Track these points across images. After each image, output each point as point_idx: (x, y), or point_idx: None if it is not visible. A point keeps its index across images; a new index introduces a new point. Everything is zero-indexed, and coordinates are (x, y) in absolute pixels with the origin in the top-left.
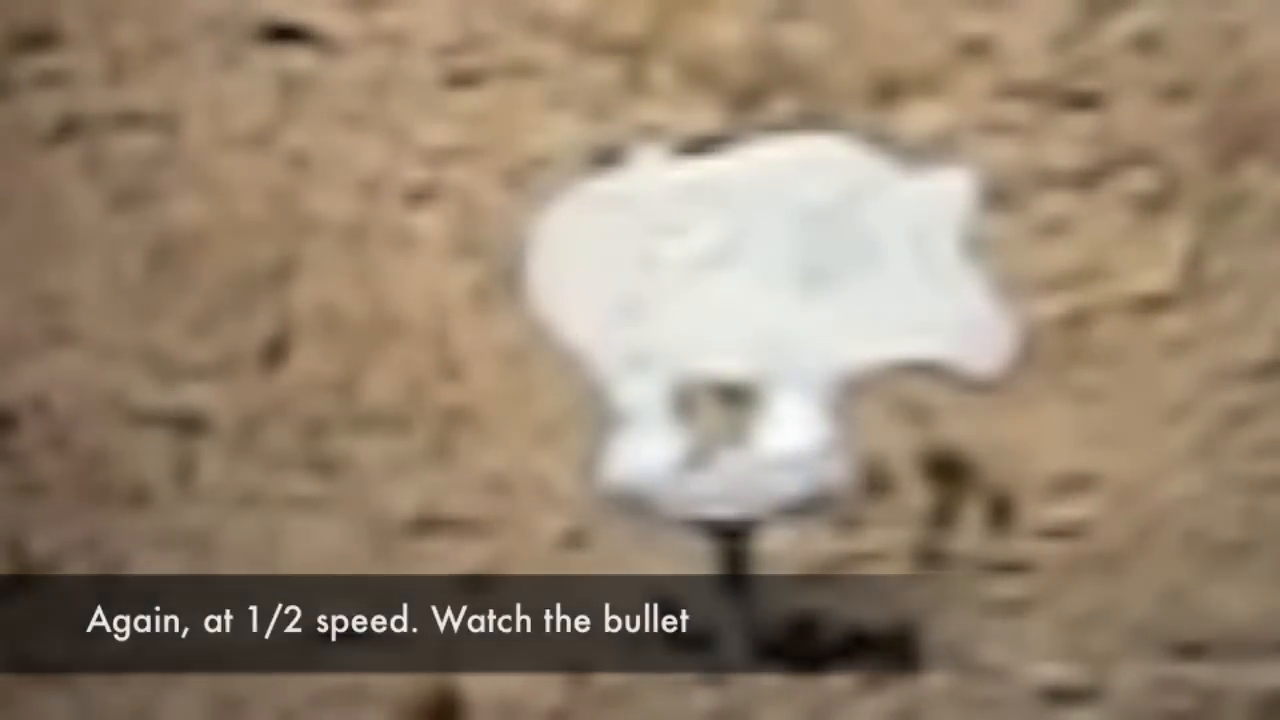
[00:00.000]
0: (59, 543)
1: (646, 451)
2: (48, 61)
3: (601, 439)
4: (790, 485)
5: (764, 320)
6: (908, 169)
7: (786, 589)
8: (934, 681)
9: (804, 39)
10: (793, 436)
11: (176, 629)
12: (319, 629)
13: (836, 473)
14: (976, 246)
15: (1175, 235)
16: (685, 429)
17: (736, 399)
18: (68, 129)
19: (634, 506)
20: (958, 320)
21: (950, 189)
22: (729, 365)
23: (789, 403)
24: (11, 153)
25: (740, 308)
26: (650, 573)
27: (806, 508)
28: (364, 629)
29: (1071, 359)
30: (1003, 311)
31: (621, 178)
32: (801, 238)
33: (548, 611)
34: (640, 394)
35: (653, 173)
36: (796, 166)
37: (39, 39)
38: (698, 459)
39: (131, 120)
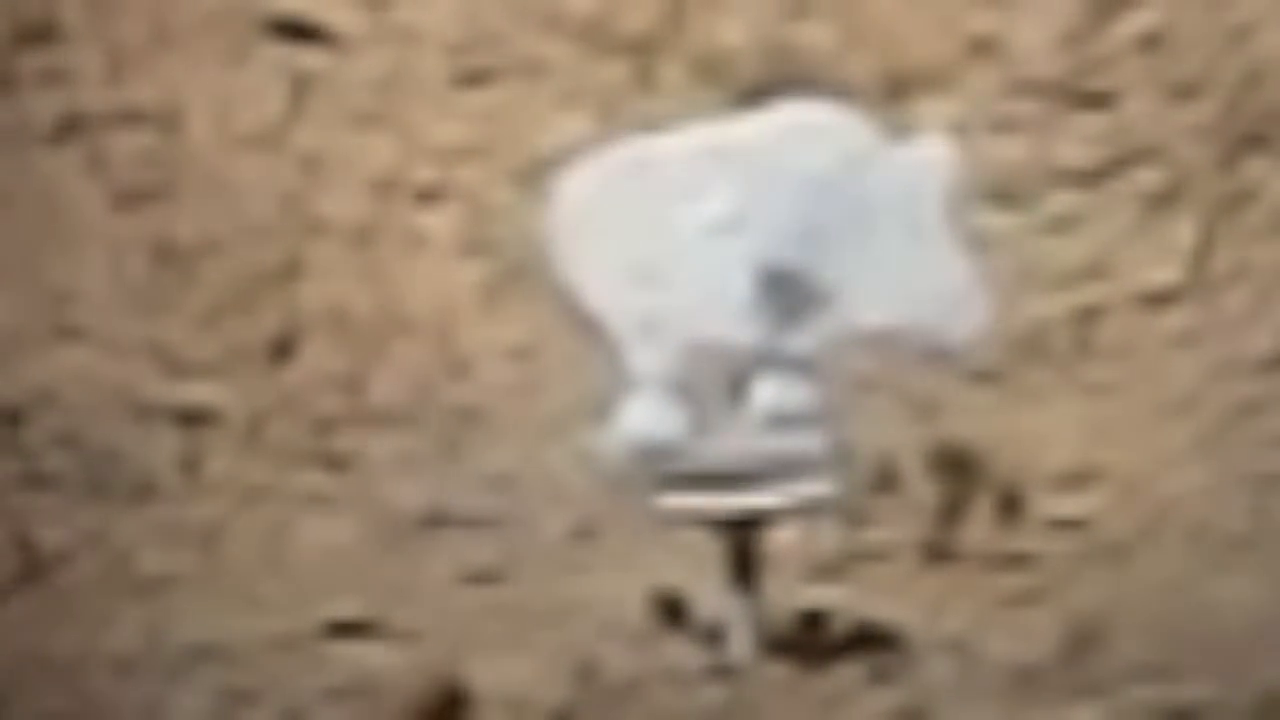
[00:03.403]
0: (67, 537)
1: (656, 414)
2: (49, 58)
3: (612, 403)
4: (789, 446)
5: (764, 286)
6: (894, 136)
7: (794, 585)
8: (940, 675)
9: (813, 38)
10: (790, 400)
11: (184, 623)
12: (327, 624)
13: (833, 435)
14: (960, 216)
15: (1183, 231)
16: (691, 393)
17: (739, 362)
18: (69, 127)
19: (645, 467)
20: (939, 289)
21: (933, 157)
22: (732, 331)
23: (786, 369)
24: (14, 150)
25: (742, 274)
26: (658, 569)
27: (805, 470)
28: (372, 624)
29: (1079, 354)
30: (981, 282)
31: (635, 144)
32: (797, 205)
33: (555, 607)
34: (651, 358)
35: (665, 139)
36: (791, 134)
37: (40, 34)
38: (703, 422)
39: (133, 118)
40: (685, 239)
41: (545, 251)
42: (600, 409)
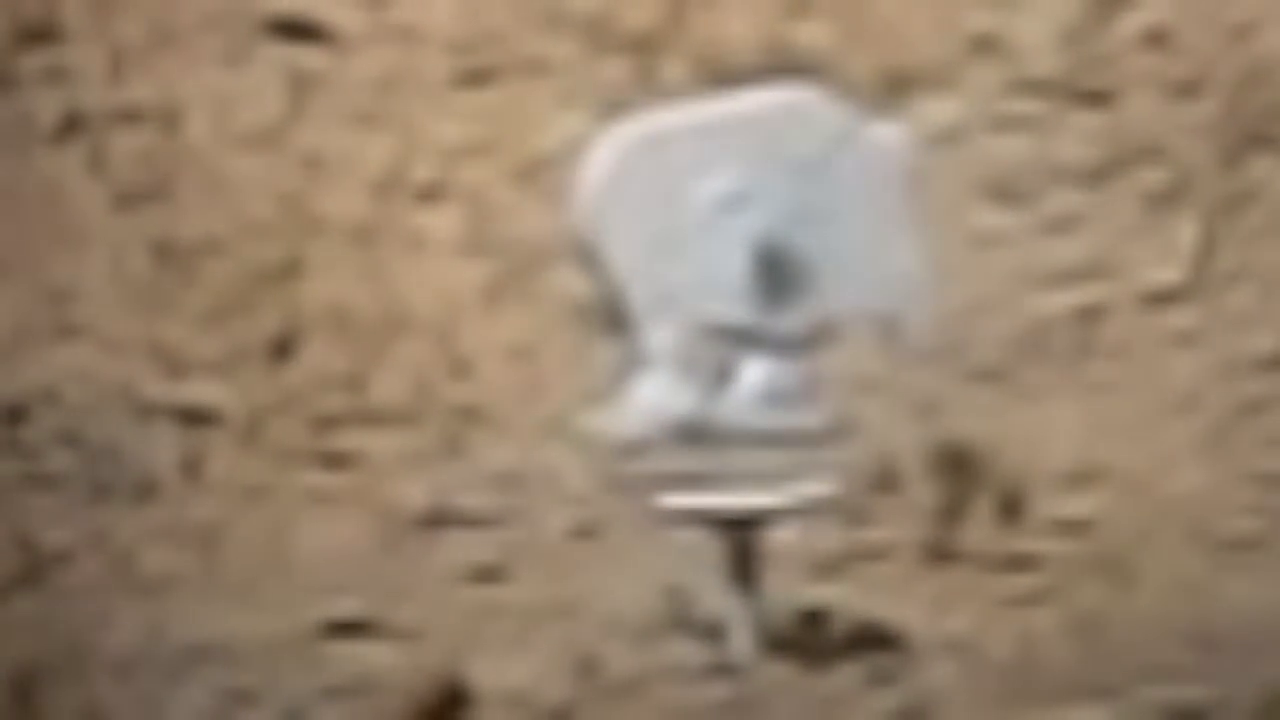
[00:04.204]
0: (67, 536)
1: (668, 391)
2: (50, 57)
3: (624, 382)
4: (776, 422)
5: (761, 266)
6: (868, 120)
7: (795, 584)
8: (940, 675)
9: (815, 35)
10: (776, 378)
11: (185, 623)
12: (327, 624)
13: (828, 420)
14: (917, 201)
15: (1184, 231)
16: (697, 371)
17: (738, 341)
18: (70, 127)
19: (652, 446)
20: (896, 274)
21: (893, 141)
22: (732, 309)
23: (779, 350)
24: (16, 149)
25: (742, 253)
26: (659, 567)
27: (803, 448)
28: (374, 622)
29: (1080, 353)
30: (932, 268)
31: (653, 117)
32: (783, 186)
33: (556, 605)
34: (664, 334)
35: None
36: (772, 116)
37: (40, 33)
38: (706, 399)
39: (134, 117)
40: (694, 215)
41: (574, 221)
42: (611, 388)
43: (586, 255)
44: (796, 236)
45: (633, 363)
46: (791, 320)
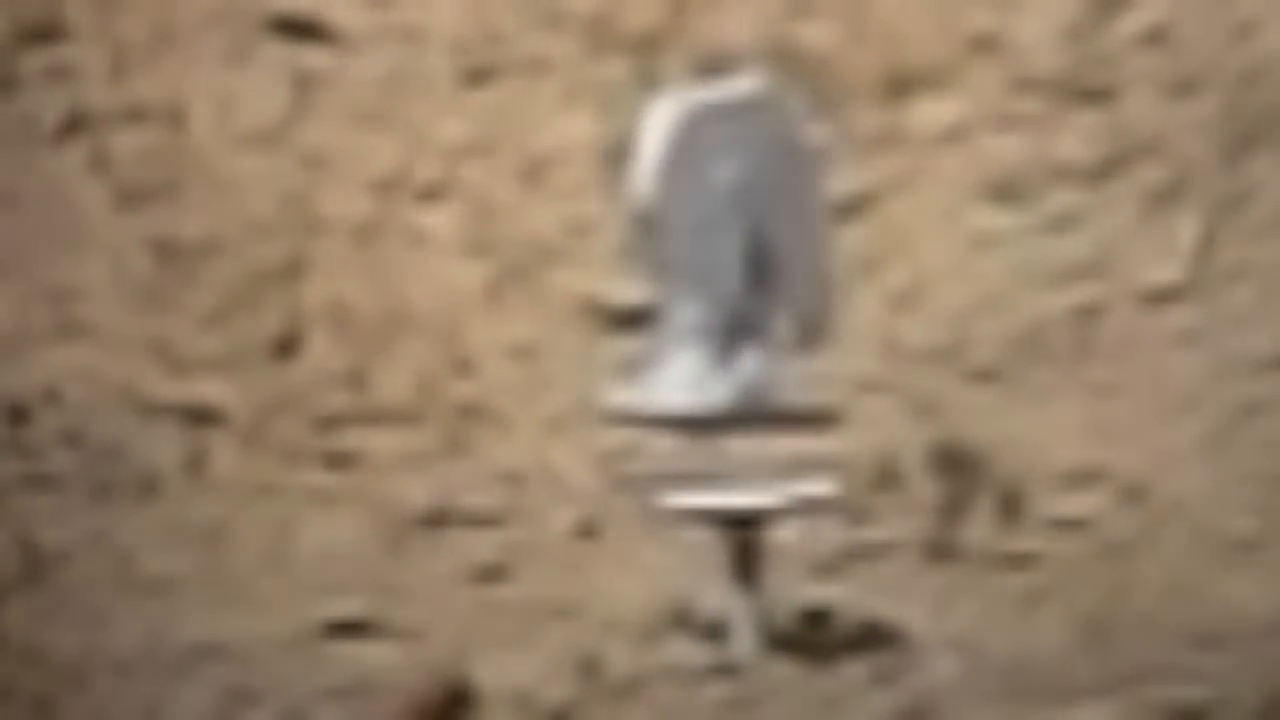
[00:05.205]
0: (69, 536)
1: (695, 369)
2: (52, 57)
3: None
4: (775, 411)
5: (751, 256)
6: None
7: (797, 582)
8: (942, 673)
9: (816, 35)
10: (774, 368)
11: (186, 623)
12: (330, 623)
13: (813, 396)
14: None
15: (1184, 229)
16: (711, 353)
17: (737, 328)
18: (73, 126)
19: (679, 423)
20: (821, 276)
21: (818, 140)
22: (731, 298)
23: (765, 335)
24: (18, 148)
25: (739, 242)
26: (661, 567)
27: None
28: (375, 623)
29: (1080, 353)
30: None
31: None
32: (764, 175)
33: (559, 605)
34: (688, 315)
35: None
36: (748, 108)
37: (43, 33)
38: (716, 384)
39: (137, 117)
40: (708, 200)
41: (632, 193)
42: (635, 368)
43: (644, 227)
44: (768, 228)
45: (663, 341)
46: (780, 311)
